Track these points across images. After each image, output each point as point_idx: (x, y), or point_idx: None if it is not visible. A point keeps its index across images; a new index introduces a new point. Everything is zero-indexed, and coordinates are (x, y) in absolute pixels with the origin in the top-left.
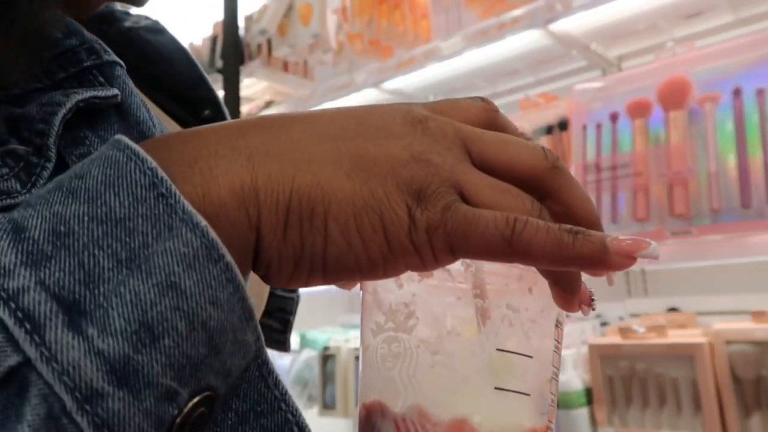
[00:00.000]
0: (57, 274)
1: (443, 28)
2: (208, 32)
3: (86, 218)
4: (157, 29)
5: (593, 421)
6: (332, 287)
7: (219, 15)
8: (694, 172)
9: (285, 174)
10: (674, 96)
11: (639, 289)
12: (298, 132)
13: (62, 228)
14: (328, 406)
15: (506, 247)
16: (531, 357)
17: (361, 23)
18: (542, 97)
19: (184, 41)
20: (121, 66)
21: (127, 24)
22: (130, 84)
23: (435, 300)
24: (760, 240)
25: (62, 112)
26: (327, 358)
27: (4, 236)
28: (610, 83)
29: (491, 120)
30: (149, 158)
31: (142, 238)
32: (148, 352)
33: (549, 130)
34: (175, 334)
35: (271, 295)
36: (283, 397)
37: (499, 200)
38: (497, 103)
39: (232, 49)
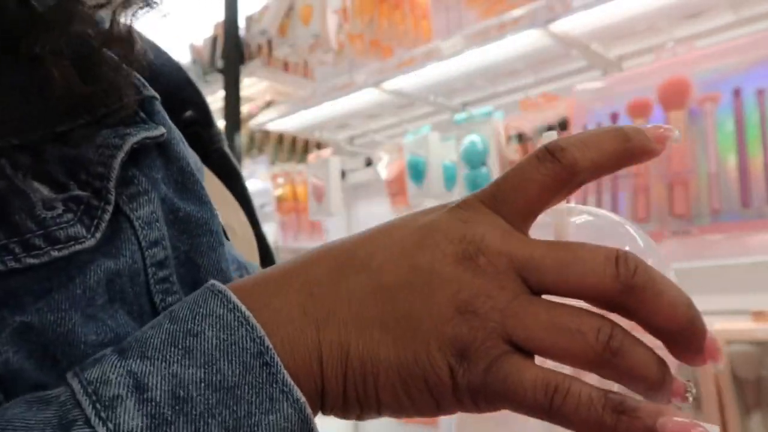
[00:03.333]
0: None
1: (443, 28)
2: (209, 32)
3: (203, 384)
4: (141, 37)
5: None
6: None
7: (219, 15)
8: (694, 173)
9: (342, 344)
10: (674, 96)
11: None
12: (354, 284)
13: (181, 392)
14: None
15: (546, 416)
16: None
17: (361, 23)
18: (542, 97)
19: (185, 41)
20: (157, 99)
21: None
22: (167, 118)
23: None
24: (761, 240)
25: (120, 155)
26: None
27: (129, 395)
28: (611, 83)
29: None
30: (258, 326)
31: (247, 407)
32: None
33: (549, 130)
34: None
35: None
36: None
37: (555, 343)
38: (498, 103)
39: (233, 49)
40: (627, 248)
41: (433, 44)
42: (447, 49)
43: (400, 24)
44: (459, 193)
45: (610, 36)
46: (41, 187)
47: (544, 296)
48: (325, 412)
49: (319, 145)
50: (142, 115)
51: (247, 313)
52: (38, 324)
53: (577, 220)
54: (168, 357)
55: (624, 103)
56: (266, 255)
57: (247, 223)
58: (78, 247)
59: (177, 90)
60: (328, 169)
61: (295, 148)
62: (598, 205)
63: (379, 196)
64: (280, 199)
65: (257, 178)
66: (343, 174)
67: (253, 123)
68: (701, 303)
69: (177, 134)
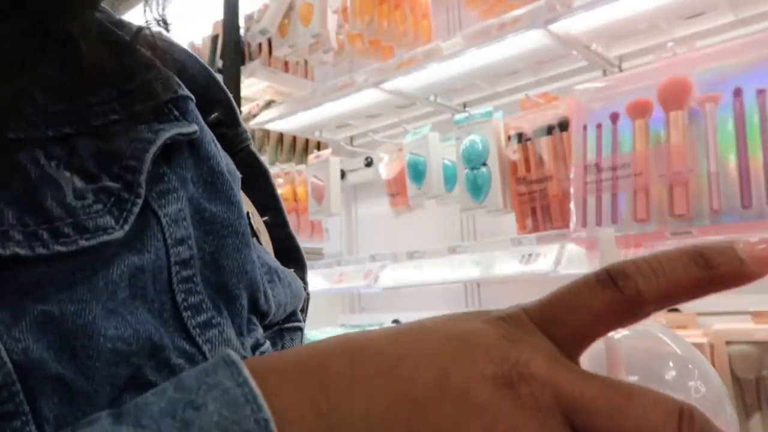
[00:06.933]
0: None
1: (443, 28)
2: (207, 31)
3: None
4: (162, 38)
5: None
6: (333, 287)
7: (219, 14)
8: (694, 173)
9: None
10: (675, 96)
11: None
12: (376, 389)
13: None
14: None
15: None
16: None
17: (361, 23)
18: (543, 97)
19: (184, 40)
20: (192, 100)
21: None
22: (200, 118)
23: None
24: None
25: (153, 149)
26: None
27: None
28: (611, 83)
29: None
30: (265, 407)
31: None
32: None
33: (549, 130)
34: None
35: None
36: None
37: None
38: (498, 103)
39: (233, 49)
40: (669, 360)
41: (433, 44)
42: (447, 49)
43: (400, 24)
44: (459, 193)
45: (610, 36)
46: (73, 177)
47: None
48: None
49: (319, 145)
50: (176, 113)
51: (257, 390)
52: (59, 314)
53: (617, 335)
54: (164, 428)
55: (624, 103)
56: (293, 254)
57: (263, 225)
58: (106, 237)
59: (204, 90)
60: (328, 169)
61: (295, 148)
62: (598, 204)
63: (379, 196)
64: None
65: None
66: (343, 174)
67: (253, 123)
68: (701, 303)
69: (209, 134)
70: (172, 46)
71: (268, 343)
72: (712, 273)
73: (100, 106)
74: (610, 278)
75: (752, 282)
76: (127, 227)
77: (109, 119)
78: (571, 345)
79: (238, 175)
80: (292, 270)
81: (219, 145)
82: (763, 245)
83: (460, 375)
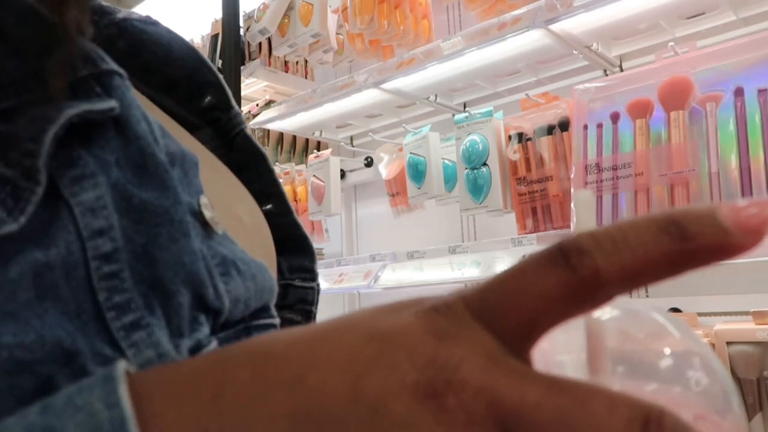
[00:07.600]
0: None
1: (443, 28)
2: (207, 30)
3: None
4: (150, 21)
5: None
6: (333, 287)
7: (218, 13)
8: (695, 173)
9: None
10: (675, 96)
11: (640, 289)
12: (276, 406)
13: None
14: None
15: None
16: None
17: (361, 23)
18: (543, 97)
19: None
20: (120, 75)
21: (120, 15)
22: (130, 95)
23: None
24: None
25: (53, 129)
26: None
27: None
28: (611, 83)
29: None
30: None
31: None
32: None
33: (550, 130)
34: None
35: (289, 286)
36: None
37: None
38: (498, 103)
39: (233, 48)
40: (665, 346)
41: (433, 44)
42: (447, 49)
43: (400, 24)
44: (459, 193)
45: (611, 36)
46: None
47: None
48: None
49: (319, 145)
50: (98, 89)
51: (127, 413)
52: None
53: (603, 315)
54: None
55: (625, 102)
56: (299, 242)
57: (261, 214)
58: None
59: (193, 73)
60: (328, 169)
61: (295, 148)
62: (599, 204)
63: (379, 196)
64: None
65: None
66: (343, 174)
67: (253, 123)
68: (702, 303)
69: (139, 112)
70: (154, 27)
71: (214, 344)
72: (688, 246)
73: (12, 86)
74: (561, 255)
75: (739, 256)
76: (23, 219)
77: (23, 100)
78: (518, 338)
79: (195, 159)
80: (262, 262)
81: (155, 125)
82: (754, 210)
83: (376, 384)
